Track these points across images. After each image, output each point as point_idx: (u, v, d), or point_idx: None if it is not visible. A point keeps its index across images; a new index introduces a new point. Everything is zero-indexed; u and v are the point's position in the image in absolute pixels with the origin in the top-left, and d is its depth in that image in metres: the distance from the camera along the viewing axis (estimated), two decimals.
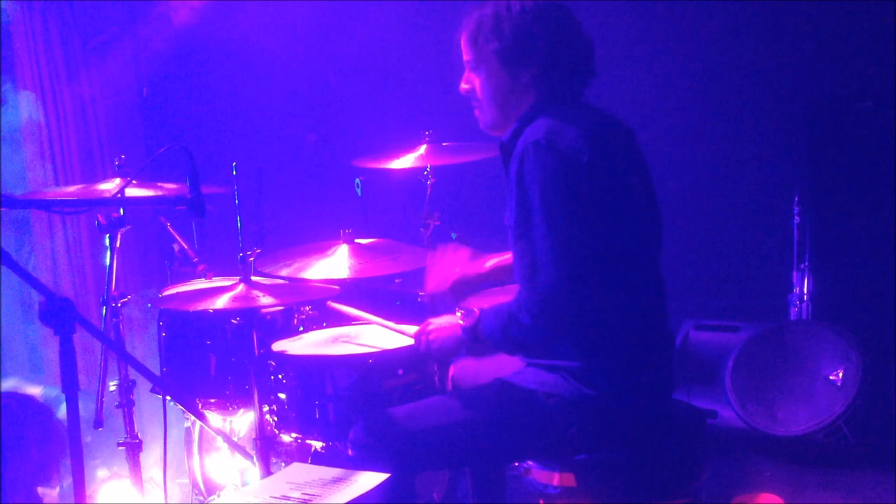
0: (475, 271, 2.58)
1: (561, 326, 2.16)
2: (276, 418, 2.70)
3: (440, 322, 2.44)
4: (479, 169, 3.64)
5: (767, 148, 4.52)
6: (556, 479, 2.26)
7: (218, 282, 3.17)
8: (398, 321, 3.01)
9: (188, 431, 3.33)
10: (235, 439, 2.99)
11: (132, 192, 2.95)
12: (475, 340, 2.32)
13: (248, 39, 4.82)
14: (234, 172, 2.70)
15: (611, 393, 2.21)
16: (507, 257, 2.54)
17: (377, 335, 2.87)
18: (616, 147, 2.26)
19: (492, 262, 2.58)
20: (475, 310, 2.31)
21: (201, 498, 3.26)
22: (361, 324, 2.90)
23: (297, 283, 2.85)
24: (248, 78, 4.93)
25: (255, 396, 2.67)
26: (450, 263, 2.59)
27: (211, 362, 2.91)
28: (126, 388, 2.82)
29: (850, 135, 4.24)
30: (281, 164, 4.79)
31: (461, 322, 2.33)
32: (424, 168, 3.50)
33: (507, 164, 2.28)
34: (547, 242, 2.11)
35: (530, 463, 2.34)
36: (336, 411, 2.57)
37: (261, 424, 2.67)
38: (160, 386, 2.84)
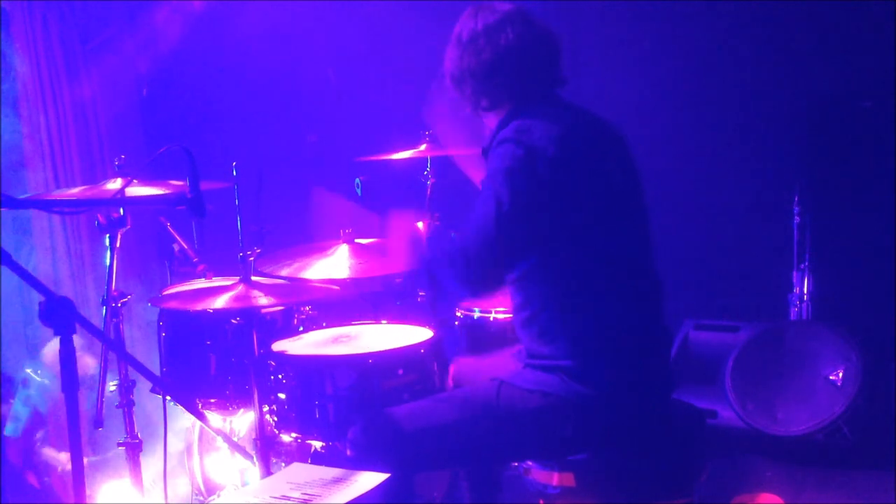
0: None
1: (475, 284, 2.26)
2: (276, 418, 2.70)
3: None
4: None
5: (767, 148, 4.52)
6: (555, 479, 2.26)
7: (218, 282, 3.17)
8: (398, 321, 3.01)
9: (188, 431, 3.33)
10: (235, 439, 2.99)
11: (133, 191, 2.95)
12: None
13: (248, 39, 4.82)
14: (235, 172, 2.70)
15: (609, 392, 2.21)
16: None
17: (377, 335, 2.87)
18: (591, 144, 2.27)
19: None
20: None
21: (201, 498, 3.26)
22: None
23: (297, 283, 2.85)
24: (249, 77, 4.93)
25: (255, 396, 2.67)
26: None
27: (211, 362, 2.91)
28: (126, 388, 2.82)
29: (850, 134, 4.24)
30: (281, 164, 4.78)
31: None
32: (425, 167, 3.51)
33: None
34: (481, 211, 2.19)
35: (530, 463, 2.34)
36: (336, 411, 2.57)
37: (261, 424, 2.67)
38: (160, 386, 2.84)
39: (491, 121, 2.40)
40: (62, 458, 3.87)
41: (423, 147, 3.51)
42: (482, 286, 2.31)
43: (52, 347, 4.10)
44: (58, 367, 4.09)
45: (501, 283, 2.32)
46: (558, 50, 2.37)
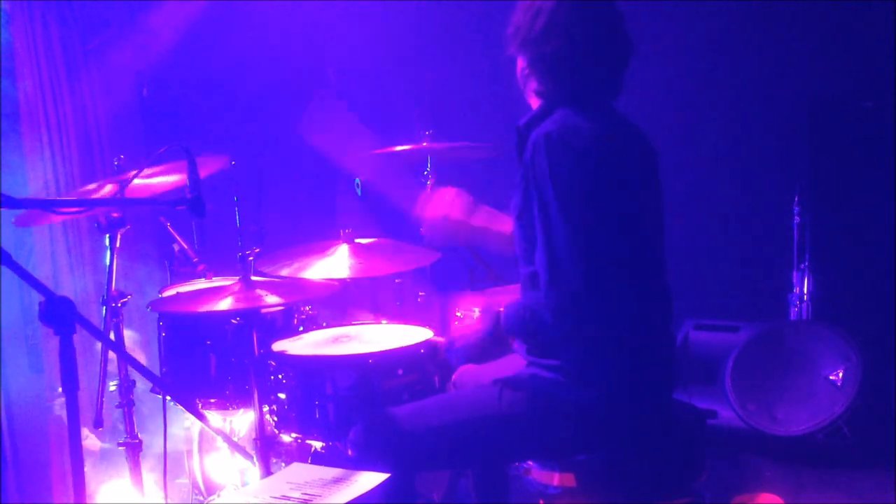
0: (464, 220, 2.56)
1: (582, 324, 2.16)
2: (276, 418, 2.70)
3: (463, 326, 2.50)
4: (479, 168, 3.64)
5: (768, 148, 4.52)
6: (556, 479, 2.26)
7: (218, 282, 3.17)
8: (398, 321, 3.01)
9: (188, 431, 3.33)
10: (235, 439, 2.99)
11: (139, 182, 2.95)
12: (495, 334, 2.36)
13: (248, 39, 4.82)
14: (233, 165, 2.71)
15: (611, 393, 2.21)
16: (500, 222, 2.56)
17: (377, 335, 2.87)
18: (627, 149, 2.26)
19: (482, 220, 2.56)
20: (499, 310, 2.33)
21: (201, 498, 3.26)
22: None
23: (297, 283, 2.85)
24: (249, 77, 4.93)
25: (255, 396, 2.67)
26: (446, 204, 2.57)
27: (211, 362, 2.91)
28: (126, 388, 2.83)
29: (850, 135, 4.25)
30: (281, 164, 4.79)
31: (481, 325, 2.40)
32: (424, 167, 3.51)
33: (521, 149, 2.29)
34: (566, 240, 2.12)
35: (530, 463, 2.34)
36: (336, 411, 2.57)
37: (261, 424, 2.67)
38: (160, 386, 2.84)
39: (533, 100, 2.36)
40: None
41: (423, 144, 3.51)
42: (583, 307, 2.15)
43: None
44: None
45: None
46: (629, 61, 2.32)
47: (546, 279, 2.16)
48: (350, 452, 2.35)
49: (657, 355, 2.30)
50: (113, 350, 2.67)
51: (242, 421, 3.10)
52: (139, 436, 2.84)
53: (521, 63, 2.34)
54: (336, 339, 2.86)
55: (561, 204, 2.12)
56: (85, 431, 3.87)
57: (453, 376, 2.71)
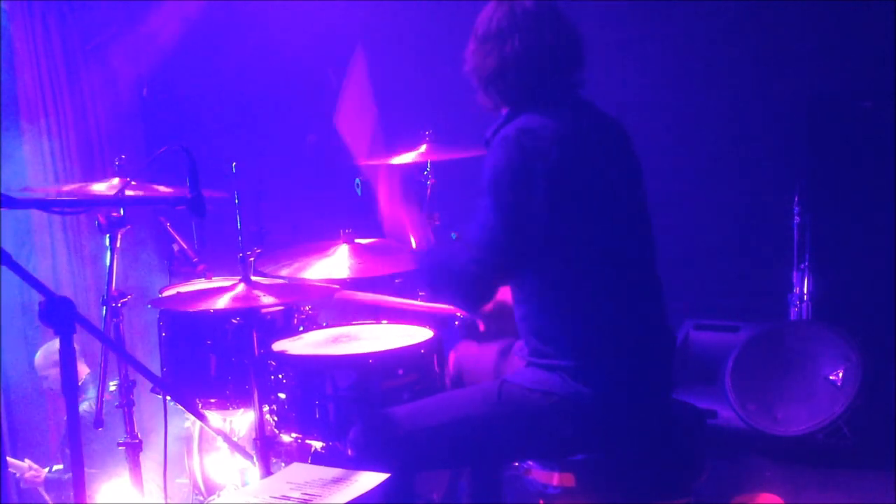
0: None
1: (480, 301, 2.36)
2: (276, 418, 2.70)
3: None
4: (478, 169, 3.63)
5: (767, 148, 4.52)
6: (555, 479, 2.26)
7: (218, 282, 3.17)
8: (398, 321, 3.01)
9: (188, 431, 3.33)
10: (235, 439, 2.99)
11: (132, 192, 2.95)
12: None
13: (248, 39, 4.83)
14: (234, 172, 2.71)
15: (609, 392, 2.21)
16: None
17: (377, 335, 2.87)
18: (596, 145, 2.27)
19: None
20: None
21: (201, 498, 3.26)
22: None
23: (297, 283, 2.85)
24: (248, 78, 4.94)
25: (255, 396, 2.67)
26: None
27: (211, 362, 2.91)
28: (126, 388, 2.83)
29: (850, 134, 4.24)
30: (281, 164, 4.79)
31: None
32: (425, 167, 3.51)
33: None
34: (486, 221, 2.21)
35: (530, 463, 2.34)
36: (336, 411, 2.57)
37: (261, 424, 2.67)
38: (160, 386, 2.83)
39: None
40: (23, 466, 3.88)
41: (422, 149, 3.51)
42: (486, 300, 2.38)
43: (42, 351, 4.10)
44: (45, 371, 4.16)
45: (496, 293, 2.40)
46: (574, 55, 2.33)
47: (475, 239, 2.26)
48: (350, 452, 2.35)
49: (655, 353, 2.31)
50: (113, 350, 2.67)
51: (242, 421, 3.10)
52: (139, 435, 2.84)
53: (479, 91, 2.39)
54: (336, 339, 2.86)
55: (496, 193, 2.19)
56: (27, 462, 3.88)
57: (451, 358, 2.73)
